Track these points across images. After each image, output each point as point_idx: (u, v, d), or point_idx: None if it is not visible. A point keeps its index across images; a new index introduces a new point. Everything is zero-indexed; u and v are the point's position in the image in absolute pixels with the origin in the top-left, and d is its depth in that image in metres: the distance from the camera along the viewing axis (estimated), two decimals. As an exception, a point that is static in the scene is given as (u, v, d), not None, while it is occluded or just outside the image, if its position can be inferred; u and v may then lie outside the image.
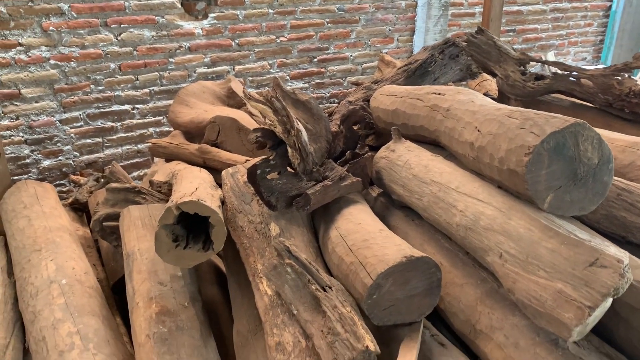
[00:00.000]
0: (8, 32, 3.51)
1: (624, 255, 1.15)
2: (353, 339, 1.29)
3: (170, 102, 3.77)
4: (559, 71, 2.45)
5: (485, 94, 3.00)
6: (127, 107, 4.06)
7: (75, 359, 1.64)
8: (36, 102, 3.72)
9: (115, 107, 4.02)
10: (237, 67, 4.43)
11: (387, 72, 3.33)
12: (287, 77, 4.71)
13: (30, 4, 3.52)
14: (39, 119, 3.76)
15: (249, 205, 1.93)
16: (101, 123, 4.00)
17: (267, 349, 1.48)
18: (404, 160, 1.95)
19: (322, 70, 4.86)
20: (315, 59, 4.79)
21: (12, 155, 3.72)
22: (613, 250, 1.17)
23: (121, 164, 4.08)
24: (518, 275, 1.27)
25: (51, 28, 3.62)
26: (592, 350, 1.26)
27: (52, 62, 3.69)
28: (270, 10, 4.43)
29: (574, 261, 1.17)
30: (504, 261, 1.32)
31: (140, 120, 4.15)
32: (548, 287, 1.19)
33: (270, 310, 1.53)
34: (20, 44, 3.56)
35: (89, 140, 3.99)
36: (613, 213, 1.51)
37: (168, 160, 2.97)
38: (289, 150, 1.86)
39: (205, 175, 2.19)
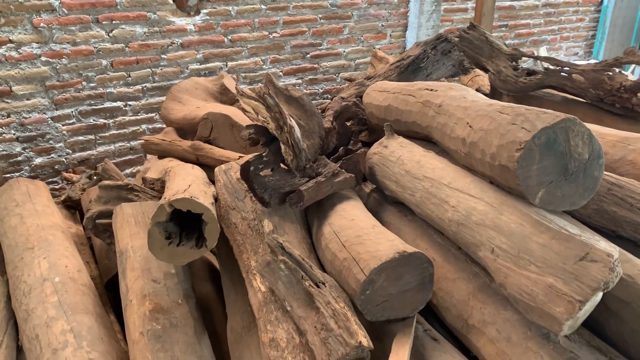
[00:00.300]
0: (-2, 28, 3.49)
1: (614, 249, 1.16)
2: (346, 335, 1.30)
3: (163, 98, 3.75)
4: (550, 66, 2.47)
5: (478, 90, 3.01)
6: (119, 104, 4.04)
7: (68, 357, 1.64)
8: (27, 99, 3.69)
9: (107, 104, 4.00)
10: (229, 64, 4.42)
11: (379, 68, 3.33)
12: (280, 73, 4.70)
13: (20, 0, 3.49)
14: (30, 117, 3.74)
15: (242, 202, 1.93)
16: (93, 120, 3.98)
17: (260, 346, 1.48)
18: (396, 156, 1.96)
19: (315, 66, 4.85)
20: (308, 55, 4.78)
21: (4, 153, 3.70)
22: (603, 244, 1.18)
23: (114, 161, 4.07)
24: (510, 270, 1.28)
25: (42, 25, 3.59)
26: (583, 343, 1.27)
27: (43, 59, 3.66)
28: (263, 6, 4.41)
29: (565, 256, 1.18)
30: (495, 256, 1.33)
31: (133, 117, 4.13)
32: (539, 281, 1.20)
33: (264, 307, 1.53)
34: (10, 41, 3.53)
35: (81, 138, 3.97)
36: (604, 207, 1.52)
37: (161, 157, 2.96)
38: (282, 146, 1.86)
39: (198, 172, 2.18)
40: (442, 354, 1.45)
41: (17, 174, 3.77)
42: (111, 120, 4.05)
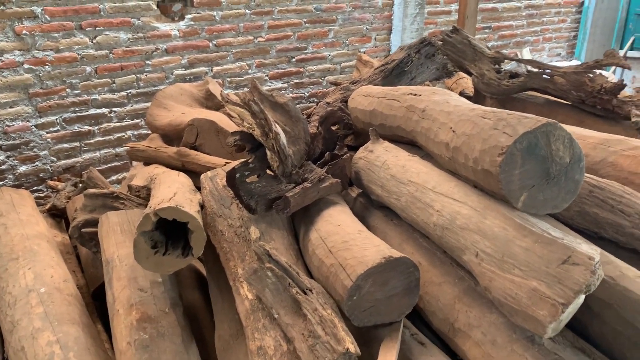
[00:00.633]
0: (-20, 36, 3.46)
1: (595, 252, 1.18)
2: (334, 342, 1.30)
3: (148, 104, 3.73)
4: (533, 69, 2.49)
5: (462, 92, 3.03)
6: (104, 110, 4.02)
7: (55, 369, 1.63)
8: (10, 107, 3.66)
9: (92, 111, 3.97)
10: (215, 68, 4.41)
11: (364, 72, 3.35)
12: (266, 78, 4.71)
13: (2, 7, 3.46)
14: (14, 124, 3.70)
15: (228, 209, 1.93)
16: (78, 127, 3.96)
17: (248, 354, 1.48)
18: (382, 160, 1.97)
19: (301, 70, 4.86)
20: (294, 59, 4.79)
21: (-13, 161, 3.67)
22: (585, 247, 1.20)
23: (99, 168, 4.05)
24: (494, 274, 1.30)
25: (24, 32, 3.57)
26: (567, 345, 1.29)
27: (26, 66, 3.63)
28: (248, 11, 4.42)
29: (548, 259, 1.20)
30: (480, 260, 1.35)
31: (118, 124, 4.11)
32: (523, 285, 1.22)
33: (251, 315, 1.53)
34: (-8, 49, 3.51)
35: (66, 145, 3.94)
36: (586, 210, 1.54)
37: (147, 163, 2.95)
38: (268, 153, 1.87)
39: (183, 179, 2.18)
40: (429, 358, 1.46)
41: (1, 182, 3.73)
42: (96, 127, 4.02)
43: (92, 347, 1.78)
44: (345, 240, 1.61)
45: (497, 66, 2.59)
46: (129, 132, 4.17)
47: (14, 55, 3.57)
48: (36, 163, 3.85)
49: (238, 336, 1.68)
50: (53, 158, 3.91)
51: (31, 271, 2.08)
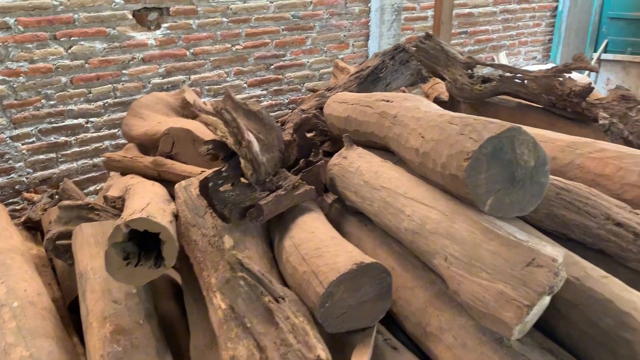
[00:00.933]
0: (-49, 48, 3.42)
1: (558, 254, 1.20)
2: (305, 350, 1.30)
3: (125, 114, 3.71)
4: (505, 73, 2.53)
5: (437, 97, 3.06)
6: (80, 121, 3.99)
7: (27, 384, 1.61)
8: (-16, 119, 3.62)
9: (68, 122, 3.94)
10: (192, 77, 4.40)
11: (341, 79, 3.36)
12: (245, 85, 4.71)
13: (-26, 19, 3.43)
14: (-12, 137, 3.66)
15: (202, 218, 1.92)
16: (54, 138, 3.92)
17: (222, 363, 1.48)
18: (355, 166, 1.98)
19: (280, 77, 4.87)
20: (272, 66, 4.80)
21: (-39, 174, 3.62)
22: (549, 249, 1.22)
23: (77, 178, 4.01)
24: (463, 278, 1.31)
25: (-3, 43, 3.53)
26: (535, 346, 1.30)
27: (-1, 77, 3.60)
28: (224, 19, 4.42)
29: (513, 262, 1.22)
30: (449, 264, 1.36)
31: (95, 134, 4.08)
32: (490, 288, 1.23)
33: (224, 324, 1.53)
34: (-35, 60, 3.46)
35: (42, 156, 3.90)
36: (554, 212, 1.56)
37: (123, 173, 2.93)
38: (241, 161, 1.87)
39: (157, 189, 2.17)
40: (402, 363, 1.47)
41: (-24, 195, 3.68)
42: (73, 138, 3.99)
43: (66, 361, 1.76)
44: (318, 247, 1.61)
45: (469, 71, 2.62)
46: (107, 142, 4.14)
47: (-13, 66, 3.54)
48: (12, 175, 3.80)
49: (212, 346, 1.67)
50: (29, 170, 3.86)
51: (4, 285, 2.05)
